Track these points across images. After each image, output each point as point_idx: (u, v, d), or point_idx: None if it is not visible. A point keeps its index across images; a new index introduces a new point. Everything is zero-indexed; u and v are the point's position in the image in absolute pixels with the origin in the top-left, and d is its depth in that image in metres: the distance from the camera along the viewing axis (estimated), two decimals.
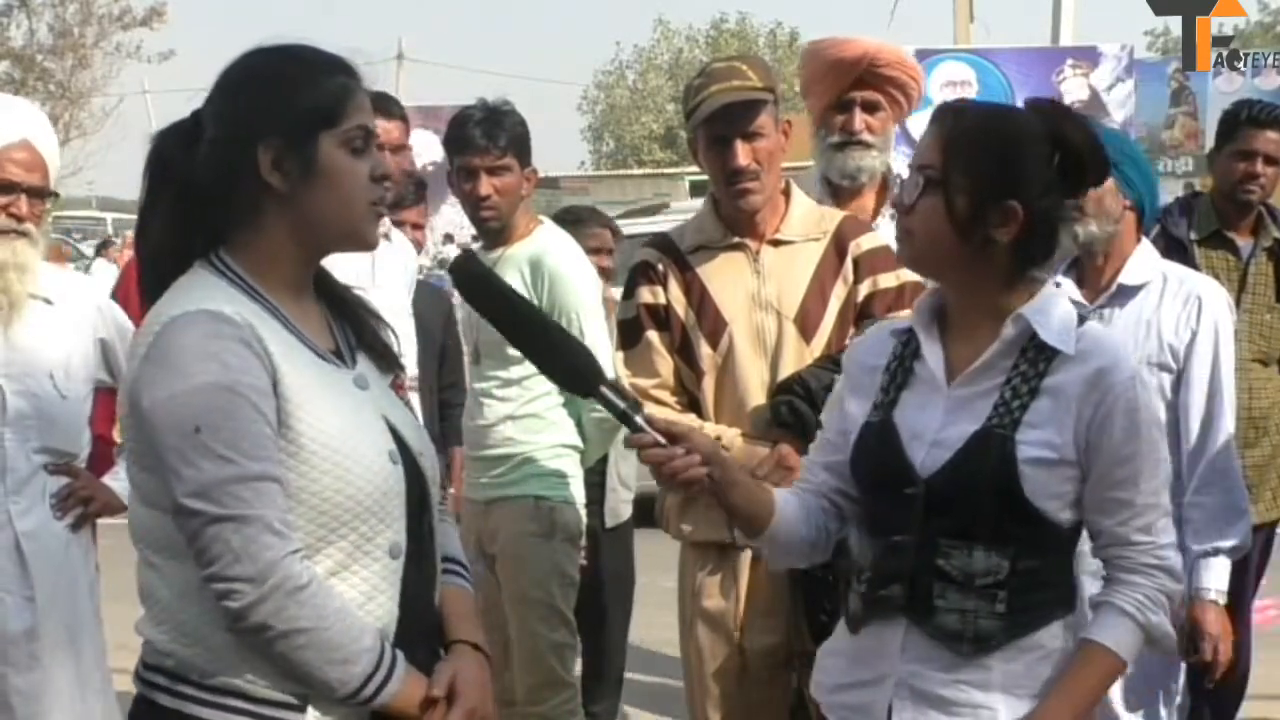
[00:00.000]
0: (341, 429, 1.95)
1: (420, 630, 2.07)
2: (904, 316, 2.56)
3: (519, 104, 3.98)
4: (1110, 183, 3.18)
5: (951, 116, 2.23)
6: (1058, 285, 3.31)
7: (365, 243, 2.07)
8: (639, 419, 2.13)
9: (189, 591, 1.92)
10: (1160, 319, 3.25)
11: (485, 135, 3.78)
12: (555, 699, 3.81)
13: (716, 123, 3.08)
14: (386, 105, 3.89)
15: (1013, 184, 2.16)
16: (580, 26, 77.79)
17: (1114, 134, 3.43)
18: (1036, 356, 2.19)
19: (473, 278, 2.27)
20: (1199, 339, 3.23)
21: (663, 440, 2.14)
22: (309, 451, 1.92)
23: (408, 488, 2.03)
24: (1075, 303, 3.25)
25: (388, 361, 2.16)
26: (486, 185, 3.77)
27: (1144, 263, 3.30)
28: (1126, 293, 3.27)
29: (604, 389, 2.12)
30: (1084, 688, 2.19)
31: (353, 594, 1.96)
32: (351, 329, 2.13)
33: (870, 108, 3.62)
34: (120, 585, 3.49)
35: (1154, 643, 2.24)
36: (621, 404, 2.13)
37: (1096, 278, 3.31)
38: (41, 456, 3.09)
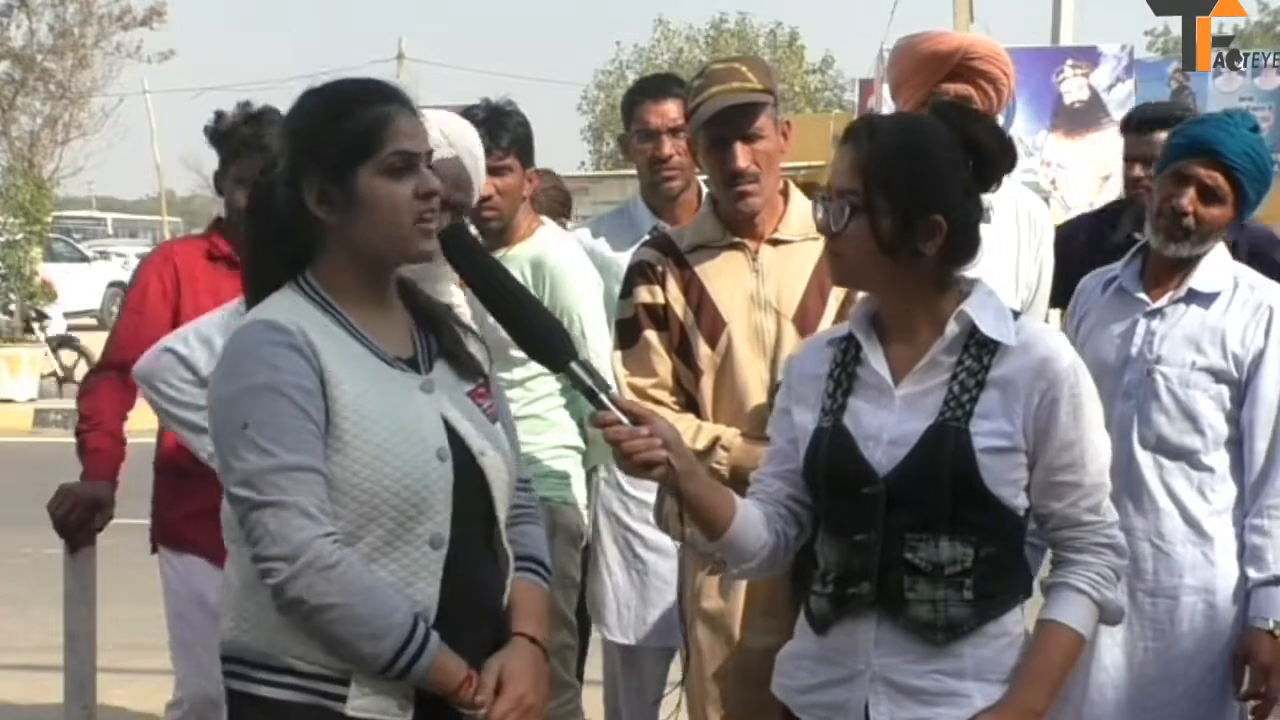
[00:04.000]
0: (385, 427, 2.13)
1: (471, 618, 2.19)
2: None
3: (519, 104, 3.98)
4: (1228, 208, 3.08)
5: (866, 136, 2.29)
6: (1115, 278, 3.26)
7: (414, 257, 2.23)
8: (604, 397, 2.21)
9: (252, 579, 2.12)
10: (1226, 326, 3.10)
11: (487, 135, 3.78)
12: (556, 700, 3.80)
13: (716, 124, 3.07)
14: (665, 87, 4.04)
15: (934, 199, 2.25)
16: (580, 26, 77.83)
17: (1265, 151, 3.16)
18: (979, 351, 2.27)
19: (461, 245, 2.37)
20: (1269, 353, 3.07)
21: (625, 420, 2.19)
22: (352, 447, 2.10)
23: (456, 484, 2.18)
24: (1136, 299, 3.19)
25: (469, 369, 2.31)
26: (488, 185, 3.76)
27: (1219, 268, 3.16)
28: (1197, 298, 3.13)
29: (574, 365, 2.23)
30: (1053, 667, 2.27)
31: (391, 578, 2.12)
32: (435, 338, 2.30)
33: (963, 101, 3.47)
34: (120, 585, 3.51)
35: (1107, 617, 2.34)
36: (589, 381, 2.21)
37: (1167, 277, 3.18)
38: None
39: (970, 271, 3.21)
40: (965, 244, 2.31)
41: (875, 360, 2.32)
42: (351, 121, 2.15)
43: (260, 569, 2.06)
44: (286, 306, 2.17)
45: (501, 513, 2.28)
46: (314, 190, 2.15)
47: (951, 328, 2.27)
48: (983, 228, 3.40)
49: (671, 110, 3.98)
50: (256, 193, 2.26)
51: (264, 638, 2.13)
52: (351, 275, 2.20)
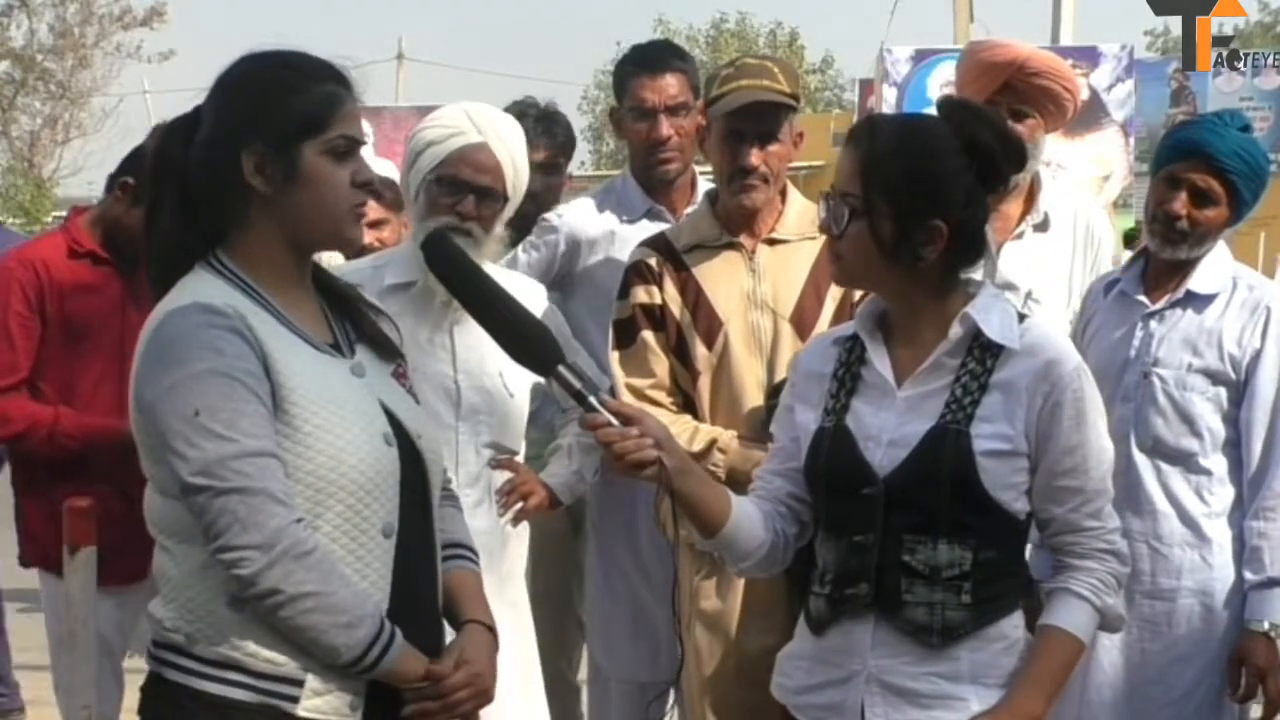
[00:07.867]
0: (335, 411, 2.06)
1: (414, 609, 2.15)
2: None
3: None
4: (1222, 209, 3.09)
5: (866, 138, 2.27)
6: (1118, 281, 3.26)
7: (347, 242, 2.21)
8: (593, 400, 2.19)
9: (196, 570, 2.04)
10: (1223, 327, 3.09)
11: (545, 134, 3.80)
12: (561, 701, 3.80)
13: (738, 118, 3.06)
14: (663, 59, 3.66)
15: (934, 204, 2.22)
16: (580, 26, 77.78)
17: (1257, 150, 3.14)
18: (983, 354, 2.26)
19: (442, 252, 2.35)
20: (1265, 354, 3.06)
21: (615, 421, 2.19)
22: (304, 433, 2.03)
23: (402, 469, 2.13)
24: (1136, 301, 3.20)
25: (388, 351, 2.26)
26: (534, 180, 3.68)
27: (1217, 269, 3.15)
28: (1195, 300, 3.13)
29: (561, 369, 2.19)
30: (1051, 673, 2.26)
31: (347, 570, 2.05)
32: (350, 323, 2.24)
33: (1017, 115, 3.36)
34: None
35: (1108, 624, 2.33)
36: (578, 384, 2.19)
37: (1166, 279, 3.18)
38: (488, 452, 3.11)
39: (1022, 281, 3.16)
40: (970, 247, 2.28)
41: (879, 361, 2.31)
42: (304, 97, 2.08)
43: (226, 559, 1.96)
44: (210, 289, 2.07)
45: (435, 498, 2.23)
46: (253, 159, 2.06)
47: (955, 330, 2.26)
48: (1039, 237, 3.42)
49: (670, 86, 3.61)
50: (165, 156, 2.13)
51: (212, 631, 2.02)
52: (273, 254, 2.11)
